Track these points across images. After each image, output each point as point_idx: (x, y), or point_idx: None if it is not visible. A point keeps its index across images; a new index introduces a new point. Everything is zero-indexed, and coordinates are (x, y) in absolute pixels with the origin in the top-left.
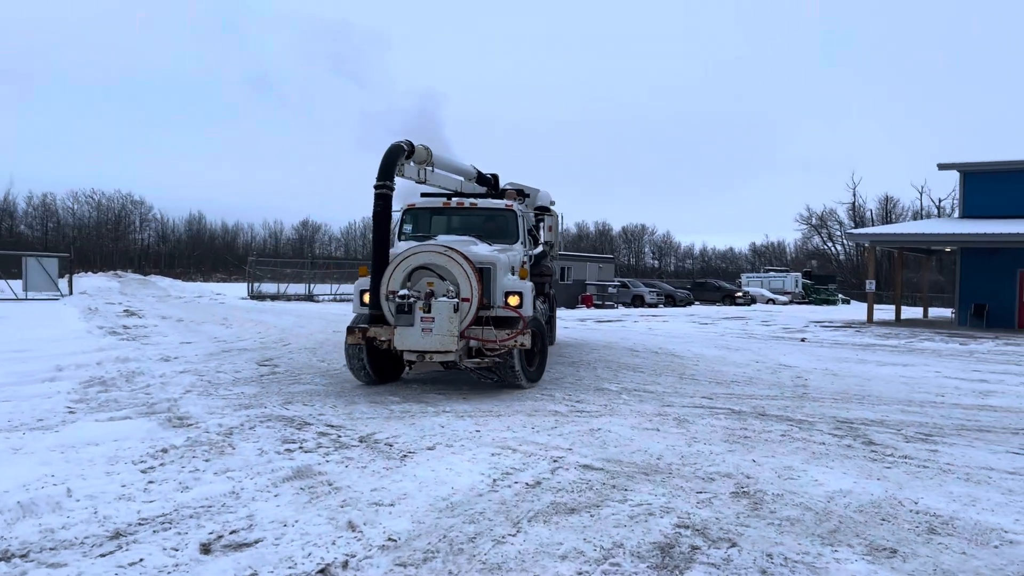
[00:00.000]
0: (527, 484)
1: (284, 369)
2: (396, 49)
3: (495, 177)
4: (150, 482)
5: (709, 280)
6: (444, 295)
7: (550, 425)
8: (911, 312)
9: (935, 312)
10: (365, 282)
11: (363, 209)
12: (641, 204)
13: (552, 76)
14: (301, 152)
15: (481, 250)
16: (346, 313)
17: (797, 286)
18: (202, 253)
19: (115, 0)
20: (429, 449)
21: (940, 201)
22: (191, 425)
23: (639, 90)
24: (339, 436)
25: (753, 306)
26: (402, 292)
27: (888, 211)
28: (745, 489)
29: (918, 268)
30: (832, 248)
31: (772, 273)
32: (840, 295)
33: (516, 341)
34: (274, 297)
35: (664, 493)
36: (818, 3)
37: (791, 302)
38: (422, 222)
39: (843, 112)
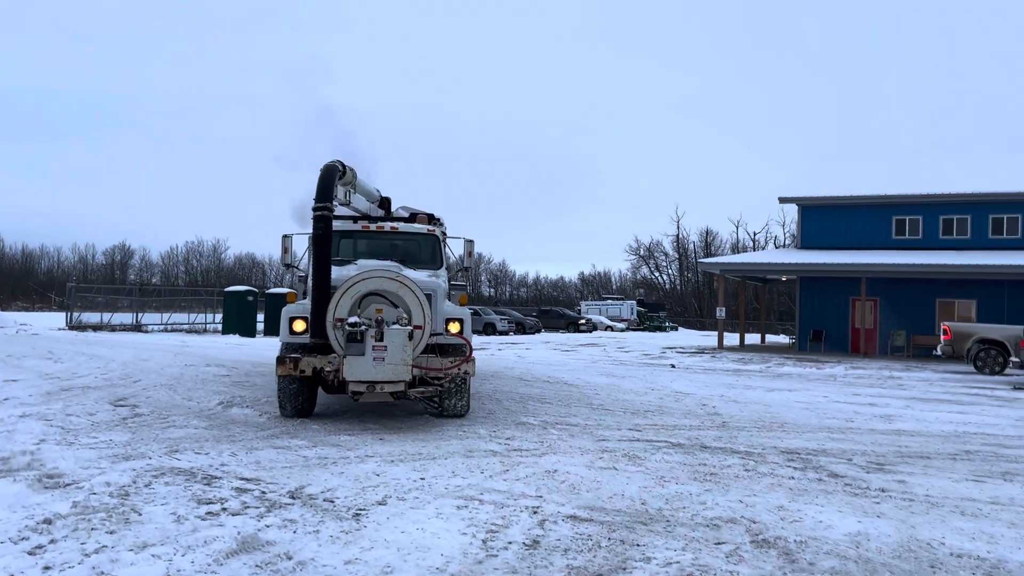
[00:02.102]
0: (524, 544)
1: (148, 410)
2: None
3: (388, 200)
4: (46, 568)
5: (554, 308)
6: (396, 322)
7: (498, 468)
8: (750, 338)
9: (771, 338)
10: (295, 309)
11: (188, 232)
12: (476, 234)
13: (400, 109)
14: (119, 171)
15: (420, 276)
16: (189, 345)
17: (632, 313)
18: None
19: None
20: (380, 504)
21: (755, 234)
22: (69, 485)
23: (468, 122)
24: (263, 492)
25: (594, 332)
26: (352, 320)
27: (708, 243)
28: (762, 536)
29: (754, 296)
30: (659, 278)
31: (609, 301)
32: (668, 323)
33: (460, 369)
34: (97, 327)
35: (682, 547)
36: (640, 47)
37: (628, 328)
38: (340, 246)
39: (667, 149)
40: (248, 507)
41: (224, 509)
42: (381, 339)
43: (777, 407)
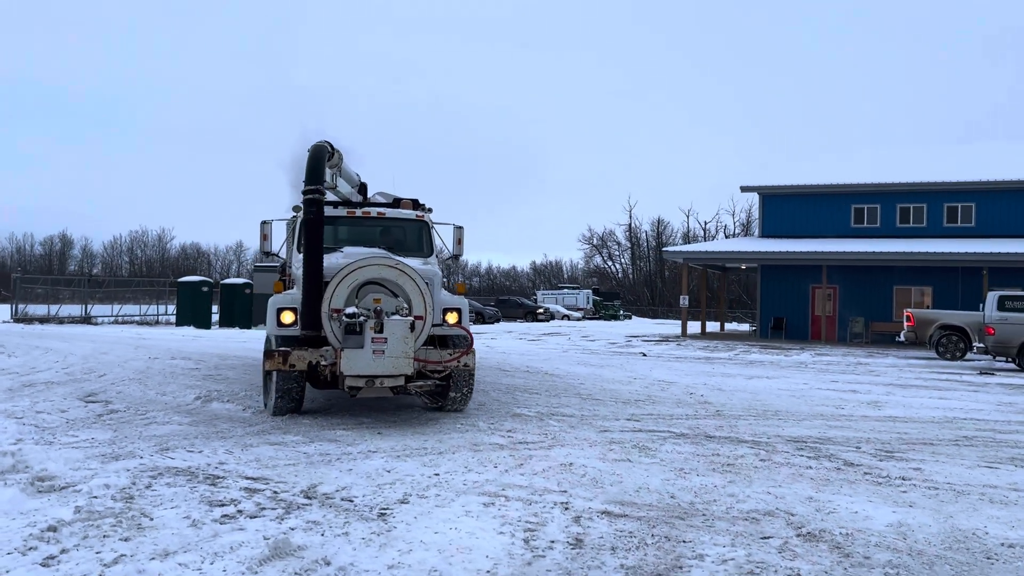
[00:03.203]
0: (568, 543)
1: (123, 406)
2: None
3: (364, 186)
4: None
5: (511, 297)
6: (396, 313)
7: (510, 462)
8: (709, 326)
9: (728, 326)
10: (282, 299)
11: (131, 222)
12: None
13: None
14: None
15: (415, 264)
16: (146, 337)
17: (588, 302)
18: None
19: None
20: (403, 503)
21: (706, 223)
22: (65, 488)
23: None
24: (275, 492)
25: (552, 322)
26: (350, 310)
27: (660, 232)
28: (806, 529)
29: (712, 285)
30: (612, 267)
31: (565, 290)
32: (623, 311)
33: (460, 362)
34: (44, 320)
35: (730, 543)
36: (591, 37)
37: (584, 317)
38: (330, 232)
39: (617, 138)
40: (264, 508)
41: (240, 511)
42: (381, 331)
43: (763, 394)
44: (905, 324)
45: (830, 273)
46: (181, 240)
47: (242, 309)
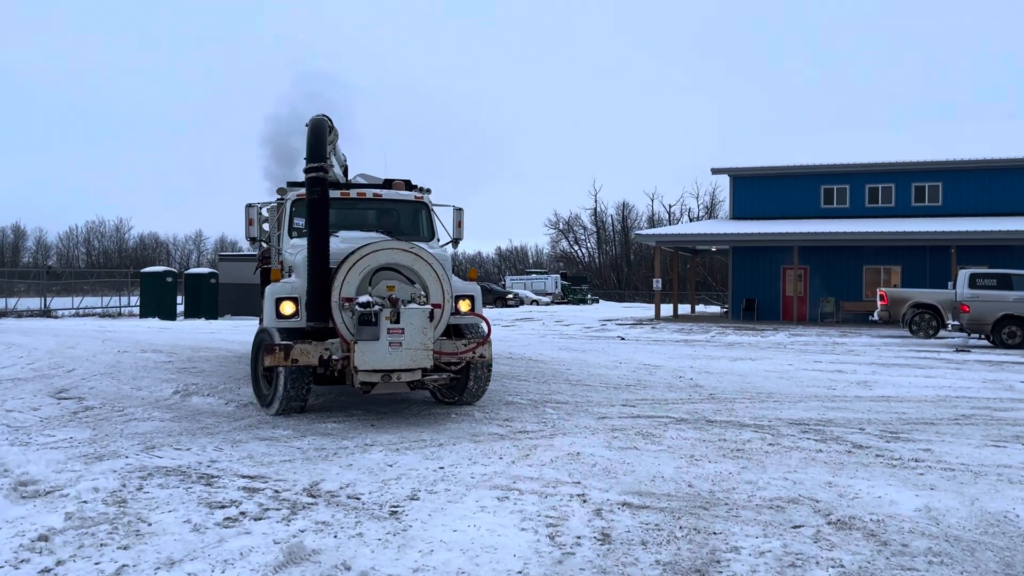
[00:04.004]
0: (596, 539)
1: (97, 403)
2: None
3: (345, 168)
4: None
5: (480, 283)
6: (412, 301)
7: (515, 452)
8: (680, 308)
9: (699, 308)
10: (281, 288)
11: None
12: None
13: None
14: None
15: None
16: (112, 330)
17: (557, 287)
18: None
19: None
20: (413, 499)
21: (670, 207)
22: (51, 492)
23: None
24: (276, 491)
25: (522, 307)
26: (363, 299)
27: (625, 216)
28: (835, 517)
29: (684, 267)
30: (578, 251)
31: (534, 275)
32: (590, 295)
33: (476, 353)
34: (1, 314)
35: (762, 534)
36: (555, 22)
37: (553, 302)
38: None
39: (583, 122)
40: (268, 510)
41: (243, 513)
42: (397, 320)
43: (752, 376)
44: (878, 303)
45: (801, 254)
46: (139, 230)
47: (208, 299)
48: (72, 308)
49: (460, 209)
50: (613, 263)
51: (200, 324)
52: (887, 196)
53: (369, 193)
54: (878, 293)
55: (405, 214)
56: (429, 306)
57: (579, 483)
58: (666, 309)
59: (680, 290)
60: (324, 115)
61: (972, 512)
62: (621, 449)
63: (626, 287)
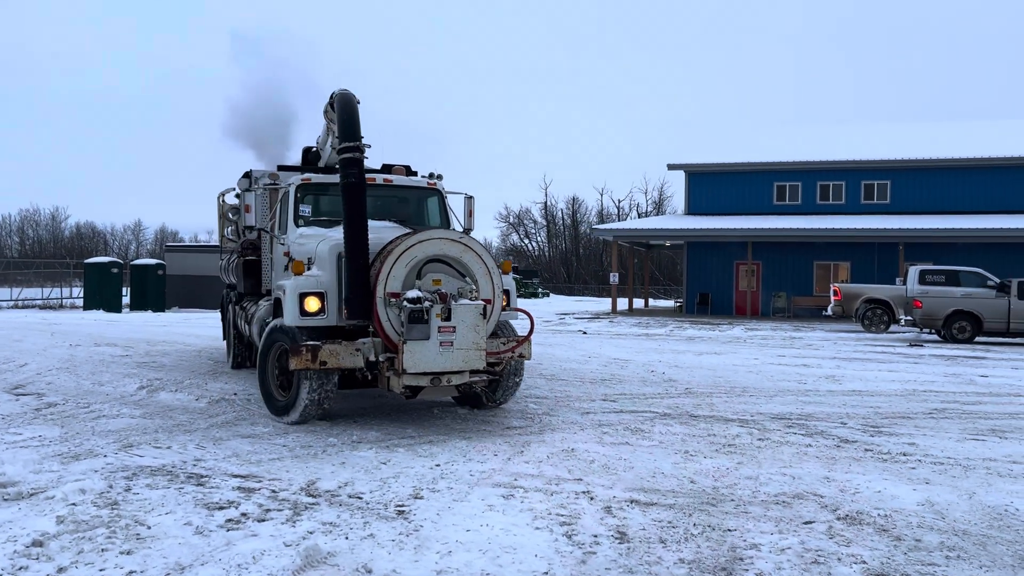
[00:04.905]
0: (614, 538)
1: (59, 399)
2: None
3: (317, 155)
4: None
5: None
6: (466, 296)
7: (508, 449)
8: (631, 302)
9: (652, 302)
10: (306, 282)
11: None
12: None
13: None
14: None
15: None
16: (58, 323)
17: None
18: None
19: None
20: (417, 498)
21: (619, 201)
22: (35, 495)
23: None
24: (274, 491)
25: None
26: (412, 294)
27: (575, 210)
28: (843, 512)
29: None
30: (528, 245)
31: None
32: (541, 288)
33: (515, 352)
34: None
35: (776, 530)
36: (503, 15)
37: None
38: (325, 203)
39: (533, 116)
40: (270, 510)
41: (244, 515)
42: (448, 318)
43: (721, 371)
44: (832, 298)
45: (754, 249)
46: (76, 219)
47: (155, 291)
48: (11, 300)
49: (471, 197)
50: (563, 257)
51: (148, 317)
52: (838, 193)
53: (379, 179)
54: (832, 288)
55: (418, 202)
56: (481, 302)
57: (581, 480)
58: (624, 303)
59: (636, 284)
60: (347, 90)
61: (973, 506)
62: (614, 445)
63: (575, 281)
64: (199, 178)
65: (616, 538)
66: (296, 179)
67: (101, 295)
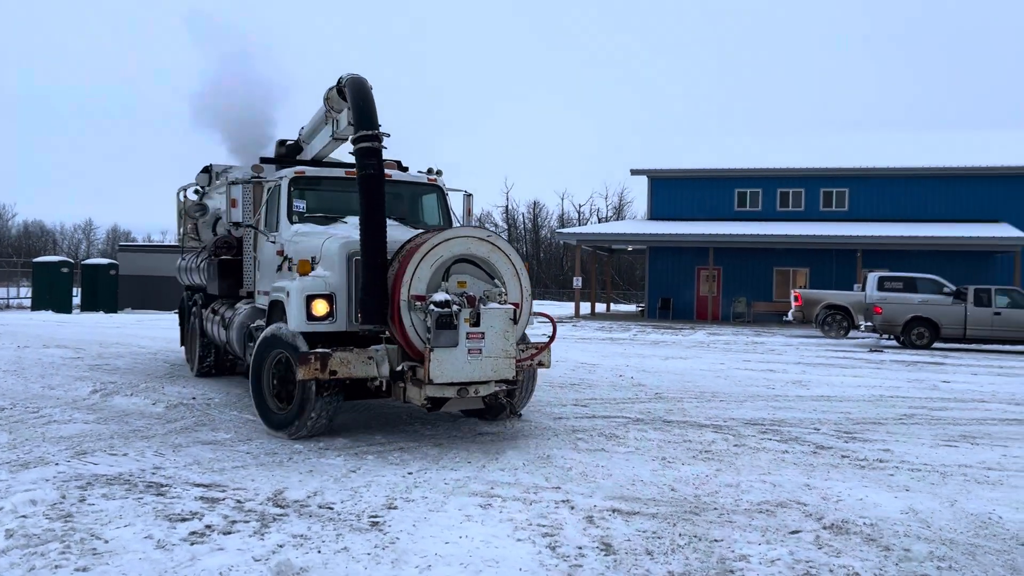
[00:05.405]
0: (599, 549)
1: (7, 403)
2: None
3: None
4: None
5: None
6: (494, 299)
7: (482, 456)
8: (597, 307)
9: (615, 307)
10: (313, 284)
11: None
12: None
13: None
14: None
15: None
16: (3, 323)
17: None
18: None
19: None
20: (391, 508)
21: (580, 206)
22: None
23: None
24: (239, 502)
25: None
26: (440, 297)
27: (536, 215)
28: (828, 521)
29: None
30: None
31: None
32: None
33: (535, 360)
34: None
35: (763, 540)
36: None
37: None
38: (320, 198)
39: (494, 120)
40: (236, 522)
41: (208, 527)
42: (477, 323)
43: (689, 375)
44: (793, 304)
45: (715, 255)
46: (24, 217)
47: (107, 292)
48: None
49: (470, 195)
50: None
51: (100, 318)
52: (797, 200)
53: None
54: (792, 294)
55: (414, 199)
56: (511, 306)
57: (559, 488)
58: (586, 307)
59: (598, 289)
60: (357, 74)
61: (956, 514)
62: (589, 451)
63: (537, 285)
64: (152, 177)
65: (601, 550)
66: (288, 172)
67: (50, 295)
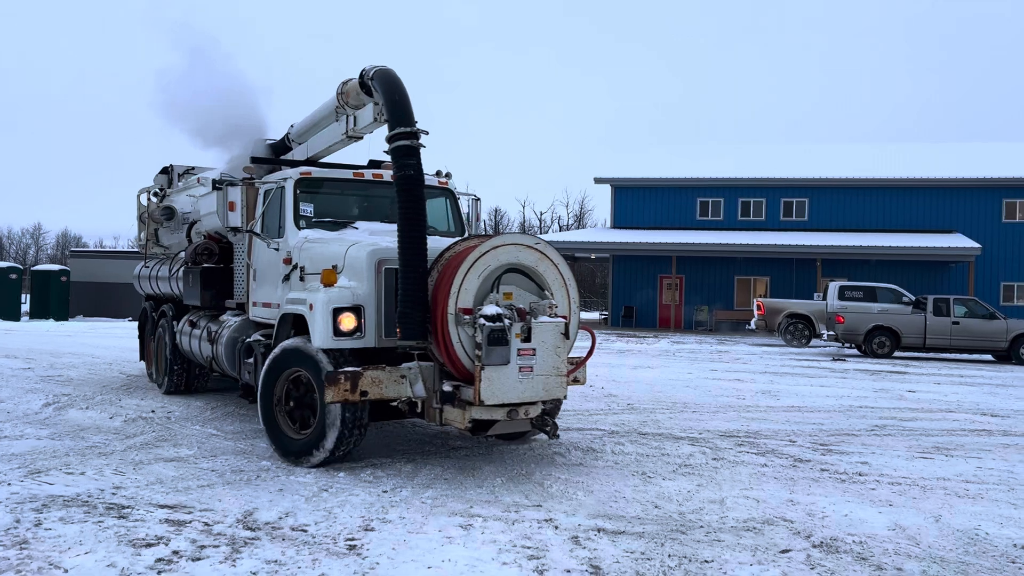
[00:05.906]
0: (588, 572)
1: None
2: None
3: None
4: None
5: None
6: (543, 312)
7: (458, 472)
8: None
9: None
10: (340, 295)
11: None
12: None
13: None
14: None
15: None
16: None
17: None
18: None
19: None
20: (368, 530)
21: (541, 214)
22: None
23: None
24: (207, 524)
25: None
26: (490, 310)
27: (497, 222)
28: (816, 539)
29: None
30: None
31: None
32: None
33: (571, 377)
34: None
35: (753, 560)
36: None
37: None
38: (328, 201)
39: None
40: (205, 547)
41: (176, 553)
42: (528, 338)
43: (659, 385)
44: (755, 312)
45: (678, 263)
46: None
47: (58, 299)
48: None
49: (478, 199)
50: None
51: (50, 326)
52: (758, 210)
53: (386, 175)
54: (755, 303)
55: (431, 203)
56: (561, 319)
57: (540, 506)
58: None
59: None
60: (384, 66)
61: (942, 530)
62: (567, 466)
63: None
64: (105, 180)
65: (591, 572)
66: (293, 173)
67: None
